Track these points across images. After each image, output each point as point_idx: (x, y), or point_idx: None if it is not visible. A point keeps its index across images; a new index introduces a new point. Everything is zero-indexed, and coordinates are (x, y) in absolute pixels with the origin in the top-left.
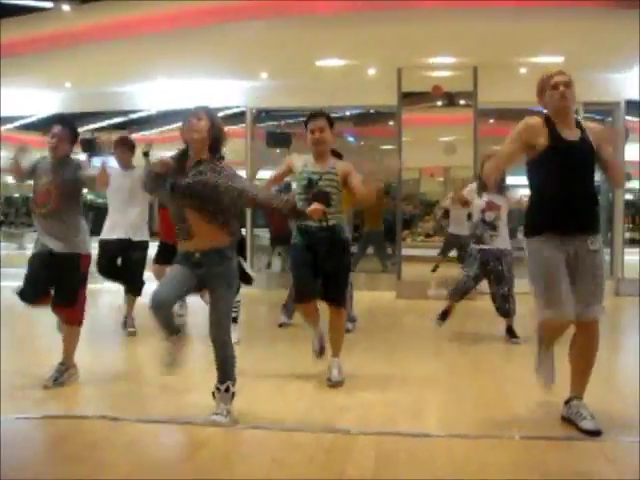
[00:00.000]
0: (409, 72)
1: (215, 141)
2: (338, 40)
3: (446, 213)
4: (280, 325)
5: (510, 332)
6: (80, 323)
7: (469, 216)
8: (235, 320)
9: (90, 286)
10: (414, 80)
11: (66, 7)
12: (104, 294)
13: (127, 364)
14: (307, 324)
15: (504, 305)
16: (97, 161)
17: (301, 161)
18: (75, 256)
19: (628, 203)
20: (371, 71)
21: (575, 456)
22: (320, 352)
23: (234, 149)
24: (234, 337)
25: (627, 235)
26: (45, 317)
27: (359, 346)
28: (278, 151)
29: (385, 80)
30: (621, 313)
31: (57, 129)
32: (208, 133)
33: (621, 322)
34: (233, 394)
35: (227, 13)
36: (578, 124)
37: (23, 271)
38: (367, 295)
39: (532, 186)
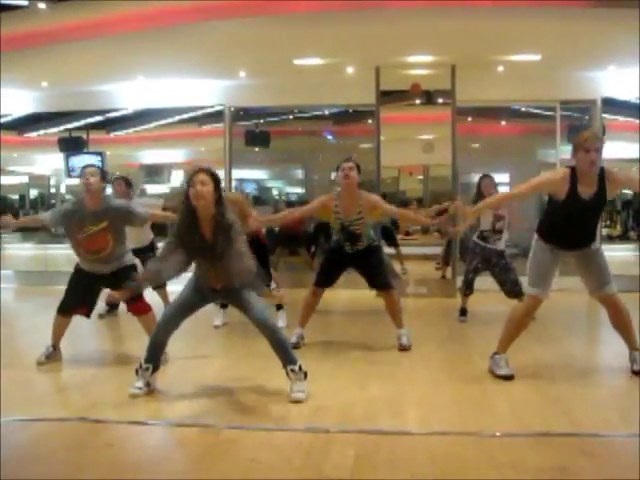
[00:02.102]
0: (387, 71)
1: (218, 202)
2: (316, 39)
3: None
4: None
5: None
6: (150, 309)
7: None
8: (281, 307)
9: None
10: (392, 78)
11: (42, 5)
12: None
13: (107, 365)
14: (302, 313)
15: (515, 288)
16: (77, 161)
17: (334, 204)
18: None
19: None
20: (349, 70)
21: (554, 451)
22: (296, 345)
23: (212, 148)
24: (281, 322)
25: (604, 232)
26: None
27: (338, 344)
28: (257, 150)
29: (363, 79)
30: (600, 309)
31: (92, 173)
32: (214, 196)
33: (600, 318)
34: (305, 373)
35: (205, 12)
36: (601, 175)
37: None
38: (347, 293)
39: (548, 210)
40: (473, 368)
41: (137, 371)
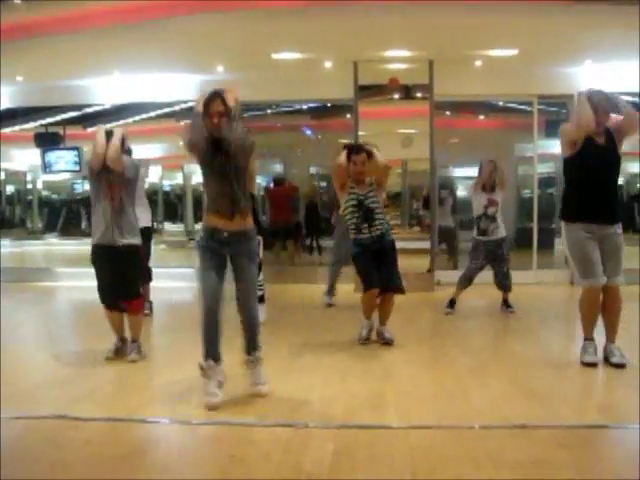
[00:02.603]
0: (365, 65)
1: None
2: (294, 33)
3: (425, 204)
4: (328, 305)
5: (506, 304)
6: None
7: (453, 209)
8: (262, 299)
9: (48, 283)
10: (370, 73)
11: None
12: (62, 292)
13: (86, 362)
14: (364, 313)
15: (504, 281)
16: (53, 157)
17: (349, 182)
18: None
19: None
20: (327, 64)
21: (531, 443)
22: (367, 339)
23: None
24: (261, 316)
25: None
26: None
27: (318, 339)
28: None
29: (342, 73)
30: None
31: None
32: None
33: (577, 311)
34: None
35: (183, 6)
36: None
37: None
38: (324, 288)
39: (569, 178)
40: (453, 362)
41: (203, 373)
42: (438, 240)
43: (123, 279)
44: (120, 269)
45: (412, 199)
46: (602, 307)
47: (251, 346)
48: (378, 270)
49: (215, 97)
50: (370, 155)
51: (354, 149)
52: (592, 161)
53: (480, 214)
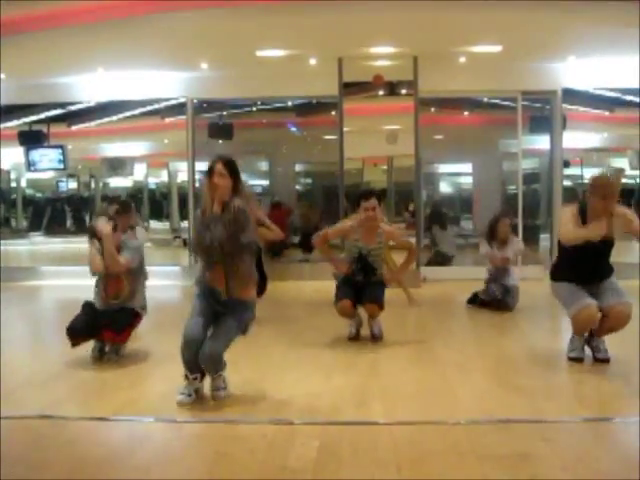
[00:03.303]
0: (350, 62)
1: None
2: (279, 30)
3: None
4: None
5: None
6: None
7: None
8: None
9: (33, 282)
10: (355, 70)
11: None
12: (47, 291)
13: (70, 362)
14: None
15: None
16: (37, 155)
17: (355, 233)
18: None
19: (567, 189)
20: (312, 61)
21: (514, 438)
22: (356, 335)
23: (175, 141)
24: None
25: None
26: None
27: (302, 337)
28: (220, 142)
29: (326, 70)
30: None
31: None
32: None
33: (561, 308)
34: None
35: (167, 3)
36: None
37: None
38: (311, 284)
39: (560, 252)
40: (437, 357)
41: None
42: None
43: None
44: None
45: (403, 208)
46: (603, 326)
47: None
48: (360, 292)
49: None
50: (380, 199)
51: (363, 194)
52: (589, 247)
53: (493, 269)
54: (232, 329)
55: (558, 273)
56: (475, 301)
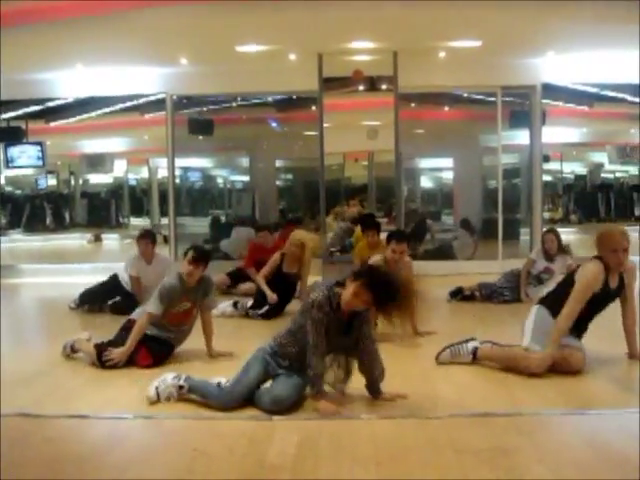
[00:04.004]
0: (330, 57)
1: None
2: (258, 25)
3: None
4: None
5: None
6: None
7: None
8: None
9: (12, 280)
10: (335, 65)
11: None
12: (26, 289)
13: (50, 360)
14: None
15: None
16: (15, 151)
17: None
18: None
19: (547, 184)
20: (292, 56)
21: (491, 431)
22: None
23: (155, 137)
24: None
25: (545, 215)
26: None
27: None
28: (201, 138)
29: (306, 65)
30: None
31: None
32: None
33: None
34: None
35: None
36: None
37: None
38: None
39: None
40: (417, 351)
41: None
42: None
43: None
44: None
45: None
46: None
47: None
48: None
49: None
50: (409, 244)
51: (395, 235)
52: (601, 301)
53: (534, 274)
54: None
55: (554, 309)
56: (457, 295)
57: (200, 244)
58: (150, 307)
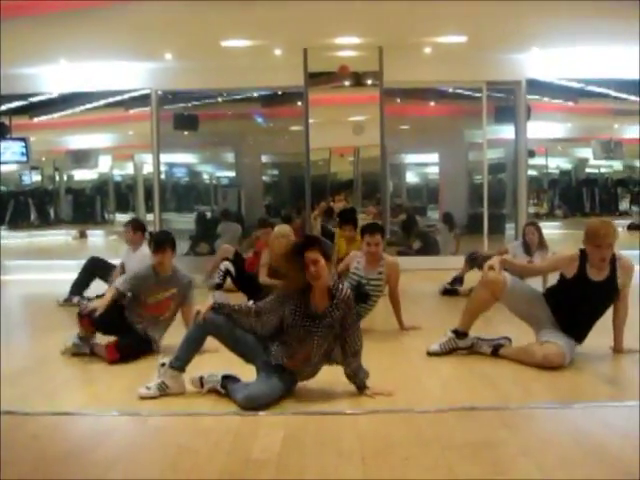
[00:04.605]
0: (315, 52)
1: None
2: (244, 20)
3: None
4: None
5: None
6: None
7: None
8: None
9: None
10: (320, 60)
11: None
12: (11, 285)
13: (35, 357)
14: None
15: None
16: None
17: (355, 262)
18: None
19: (532, 179)
20: (277, 52)
21: (477, 425)
22: None
23: (140, 132)
24: None
25: (531, 210)
26: None
27: None
28: (186, 133)
29: (291, 61)
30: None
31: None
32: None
33: None
34: None
35: None
36: (612, 260)
37: None
38: None
39: (556, 287)
40: (402, 345)
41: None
42: None
43: None
44: None
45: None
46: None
47: None
48: None
49: None
50: (383, 235)
51: (369, 228)
52: (582, 293)
53: None
54: None
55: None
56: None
57: (163, 230)
58: (118, 283)
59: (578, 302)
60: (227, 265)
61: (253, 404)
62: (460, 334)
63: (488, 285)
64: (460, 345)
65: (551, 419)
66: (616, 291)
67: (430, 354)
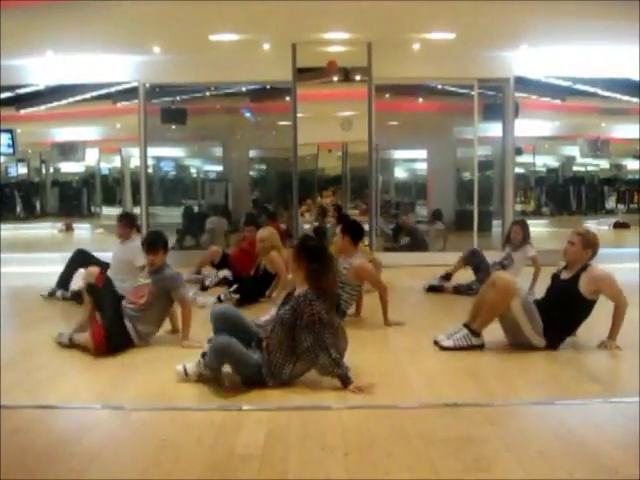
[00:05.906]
0: (304, 47)
1: None
2: (232, 14)
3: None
4: None
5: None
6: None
7: None
8: None
9: None
10: (309, 55)
11: None
12: None
13: (18, 350)
14: None
15: None
16: None
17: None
18: None
19: (520, 176)
20: (266, 46)
21: (460, 421)
22: None
23: (127, 125)
24: None
25: (518, 208)
26: None
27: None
28: (173, 127)
29: (280, 55)
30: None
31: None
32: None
33: None
34: None
35: None
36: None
37: None
38: None
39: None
40: (388, 340)
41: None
42: None
43: None
44: None
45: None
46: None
47: None
48: None
49: None
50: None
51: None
52: (551, 289)
53: (497, 261)
54: None
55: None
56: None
57: (155, 230)
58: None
59: (547, 295)
60: (226, 274)
61: (218, 353)
62: (475, 333)
63: (501, 288)
64: (474, 343)
65: (534, 415)
66: (578, 294)
67: (443, 348)
